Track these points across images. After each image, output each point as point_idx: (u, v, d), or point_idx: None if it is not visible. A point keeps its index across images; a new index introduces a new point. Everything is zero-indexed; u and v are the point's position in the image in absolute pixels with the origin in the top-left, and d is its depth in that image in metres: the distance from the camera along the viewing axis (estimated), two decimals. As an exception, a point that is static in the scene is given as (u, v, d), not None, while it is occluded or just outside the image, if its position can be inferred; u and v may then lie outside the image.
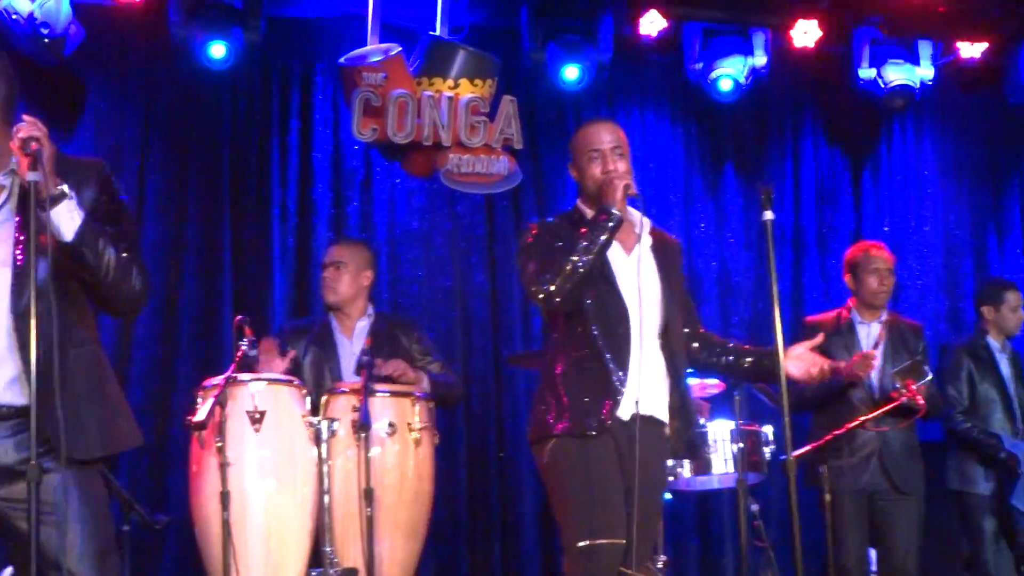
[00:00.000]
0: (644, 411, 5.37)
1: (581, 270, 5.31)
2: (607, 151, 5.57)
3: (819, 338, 5.91)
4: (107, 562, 4.23)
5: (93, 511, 4.22)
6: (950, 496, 8.68)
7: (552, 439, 5.38)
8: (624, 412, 5.35)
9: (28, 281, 3.97)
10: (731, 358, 5.84)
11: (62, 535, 4.07)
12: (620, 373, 5.36)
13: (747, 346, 5.93)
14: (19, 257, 4.11)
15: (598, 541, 5.22)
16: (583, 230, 5.37)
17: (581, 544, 5.24)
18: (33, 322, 3.93)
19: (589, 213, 5.53)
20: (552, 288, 5.32)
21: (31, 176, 3.96)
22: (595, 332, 5.39)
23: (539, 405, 5.51)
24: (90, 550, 4.16)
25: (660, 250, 5.70)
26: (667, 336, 5.55)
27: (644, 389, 5.38)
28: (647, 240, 5.65)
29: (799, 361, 5.70)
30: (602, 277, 5.44)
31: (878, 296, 8.07)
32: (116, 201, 4.41)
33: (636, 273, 5.43)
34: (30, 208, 3.96)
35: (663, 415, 5.53)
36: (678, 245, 5.93)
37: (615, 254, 5.50)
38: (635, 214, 5.64)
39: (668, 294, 5.59)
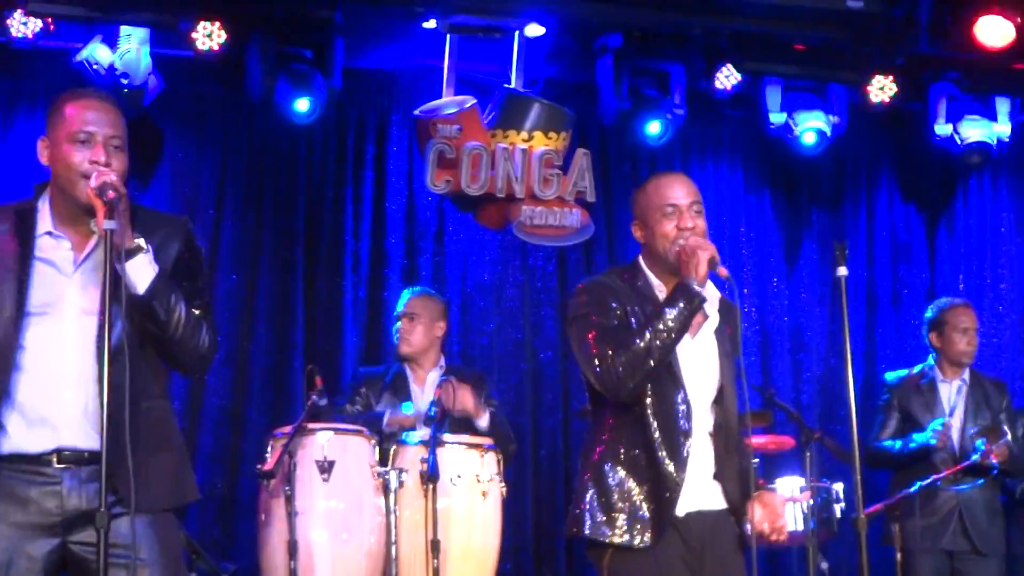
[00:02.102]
0: (701, 507, 4.86)
1: (656, 358, 4.71)
2: (684, 207, 4.91)
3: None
4: None
5: (166, 556, 4.26)
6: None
7: (609, 550, 4.83)
8: (682, 510, 4.81)
9: (104, 331, 4.01)
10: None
11: None
12: (678, 478, 4.78)
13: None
14: (99, 308, 4.14)
15: None
16: (657, 308, 4.77)
17: None
18: (106, 371, 3.97)
19: (652, 277, 4.98)
20: (621, 376, 4.72)
21: (107, 224, 3.99)
22: (656, 436, 4.80)
23: (587, 502, 4.90)
24: None
25: (722, 327, 5.03)
26: (724, 419, 4.96)
27: (700, 484, 4.87)
28: (714, 318, 5.00)
29: (761, 508, 4.97)
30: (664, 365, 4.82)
31: (965, 355, 8.01)
32: (196, 258, 4.46)
33: (700, 360, 4.92)
34: (107, 258, 3.99)
35: (719, 501, 4.95)
36: (739, 312, 5.11)
37: None
38: (709, 288, 4.94)
39: (725, 374, 4.99)
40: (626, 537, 4.79)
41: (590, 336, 4.84)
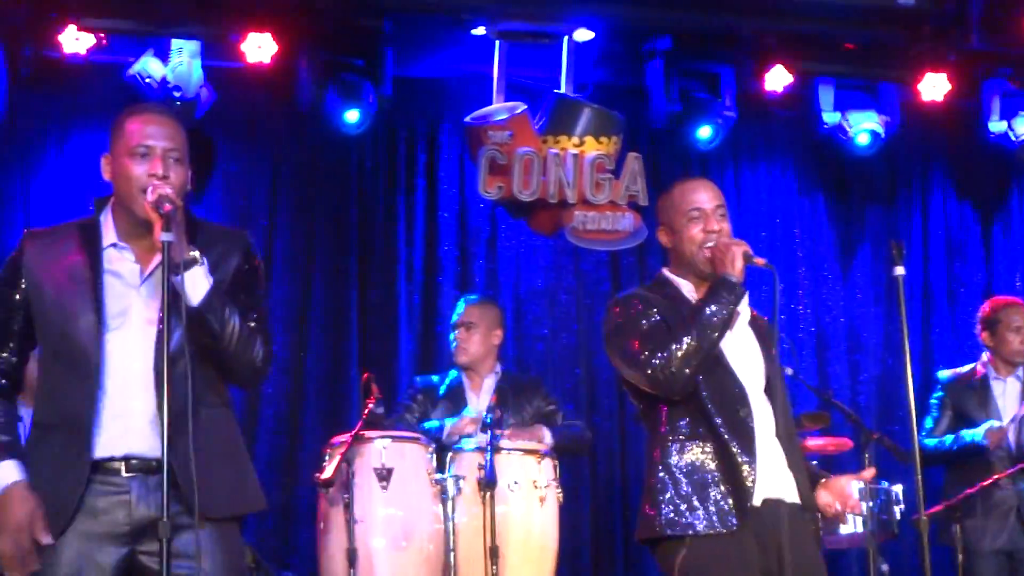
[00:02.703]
0: (776, 495, 4.83)
1: (704, 350, 4.74)
2: (709, 211, 4.96)
3: (870, 472, 5.50)
4: None
5: (231, 567, 4.28)
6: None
7: (685, 545, 4.77)
8: (759, 498, 4.77)
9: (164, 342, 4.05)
10: None
11: None
12: (749, 461, 4.77)
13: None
14: (162, 318, 4.17)
15: None
16: (697, 304, 4.82)
17: None
18: (165, 380, 4.01)
19: (681, 283, 5.00)
20: (671, 371, 4.73)
21: (164, 237, 4.03)
22: (717, 421, 4.80)
23: (659, 501, 4.85)
24: None
25: (753, 323, 5.06)
26: (778, 408, 4.94)
27: (772, 473, 4.85)
28: (746, 315, 5.03)
29: (829, 492, 5.02)
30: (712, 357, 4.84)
31: (1018, 354, 7.96)
32: (255, 271, 4.50)
33: (744, 350, 4.92)
34: (165, 270, 4.03)
35: (793, 494, 4.92)
36: (769, 326, 5.16)
37: None
38: None
39: (770, 366, 5.01)
40: (705, 525, 4.75)
41: (634, 342, 4.85)
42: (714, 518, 4.74)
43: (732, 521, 4.73)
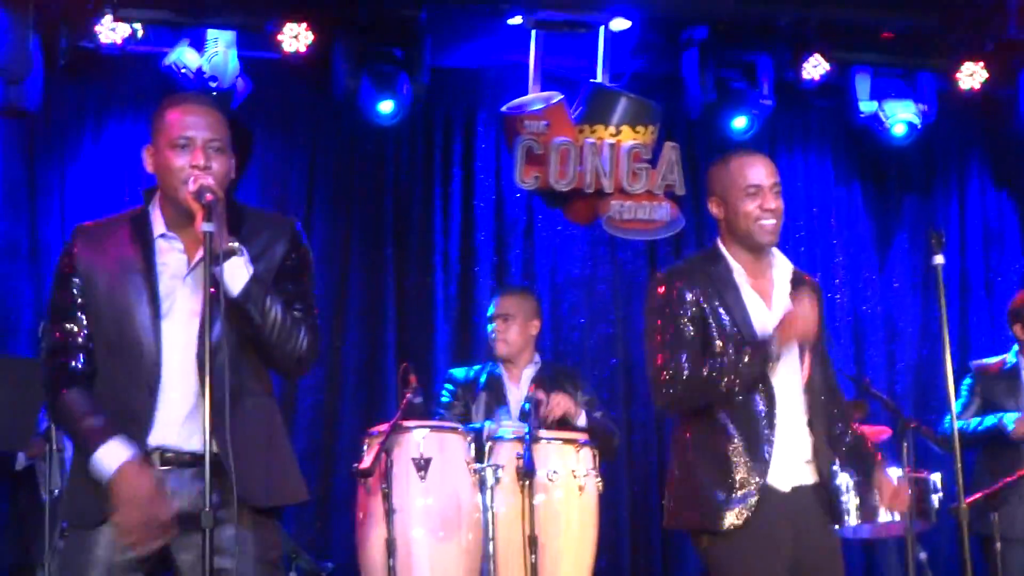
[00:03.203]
0: (798, 482, 4.97)
1: (710, 396, 4.92)
2: (767, 188, 5.02)
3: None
4: None
5: (267, 560, 4.27)
6: None
7: (707, 535, 4.97)
8: (778, 486, 4.92)
9: (206, 332, 4.04)
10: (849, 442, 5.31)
11: None
12: (767, 449, 4.90)
13: (866, 443, 5.37)
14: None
15: None
16: (734, 354, 4.87)
17: None
18: (207, 371, 4.00)
19: (731, 260, 5.06)
20: (673, 398, 4.99)
21: (205, 227, 4.03)
22: (728, 419, 4.95)
23: (677, 492, 5.10)
24: None
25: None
26: (810, 395, 5.05)
27: (795, 461, 4.97)
28: (785, 288, 5.10)
29: (883, 491, 5.29)
30: (740, 332, 4.97)
31: None
32: (303, 259, 4.48)
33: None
34: (207, 259, 4.03)
35: (812, 477, 5.04)
36: (818, 287, 5.27)
37: (753, 304, 5.03)
38: (776, 254, 5.17)
39: (813, 357, 5.09)
40: (717, 521, 4.88)
41: (657, 335, 5.04)
42: (735, 511, 4.87)
43: (738, 520, 4.86)
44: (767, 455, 4.90)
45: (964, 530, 5.37)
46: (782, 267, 5.15)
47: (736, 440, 4.92)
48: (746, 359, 4.85)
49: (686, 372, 4.90)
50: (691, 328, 4.98)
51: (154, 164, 4.31)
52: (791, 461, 4.95)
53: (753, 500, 4.87)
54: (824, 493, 5.09)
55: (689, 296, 4.99)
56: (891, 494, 5.29)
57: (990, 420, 7.82)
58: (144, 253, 4.28)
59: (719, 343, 4.95)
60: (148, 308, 4.21)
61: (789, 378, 4.99)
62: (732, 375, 4.86)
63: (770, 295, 5.07)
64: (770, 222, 5.02)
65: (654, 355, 5.03)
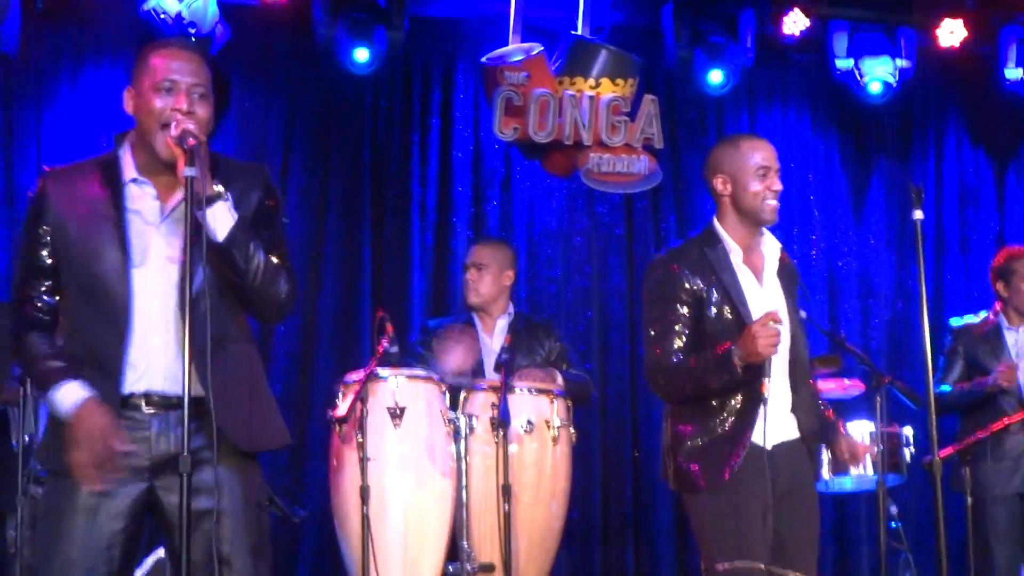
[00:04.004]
0: (780, 438, 5.18)
1: (690, 392, 5.19)
2: (774, 171, 5.32)
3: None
4: (263, 554, 4.29)
5: (251, 503, 4.30)
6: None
7: (699, 493, 5.19)
8: (763, 443, 5.07)
9: (188, 277, 4.04)
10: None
11: (220, 526, 4.13)
12: (751, 415, 5.11)
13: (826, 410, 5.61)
14: (182, 255, 4.18)
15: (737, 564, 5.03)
16: (706, 359, 5.09)
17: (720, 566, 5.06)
18: (187, 317, 4.00)
19: (728, 241, 5.30)
20: (658, 383, 5.30)
21: (187, 172, 4.01)
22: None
23: (670, 449, 5.32)
24: (248, 542, 4.23)
25: (784, 273, 5.42)
26: (794, 364, 5.29)
27: (778, 418, 5.17)
28: (774, 265, 5.39)
29: (839, 451, 5.61)
30: (734, 312, 5.20)
31: None
32: (276, 206, 4.49)
33: (769, 304, 5.17)
34: (188, 204, 4.02)
35: (794, 432, 5.28)
36: (795, 269, 5.60)
37: (748, 282, 5.27)
38: (765, 231, 5.40)
39: (794, 321, 5.34)
40: (709, 476, 5.14)
41: (651, 313, 5.32)
42: (722, 468, 5.10)
43: (728, 475, 5.10)
44: (752, 415, 5.10)
45: (938, 483, 5.41)
46: (771, 244, 5.40)
47: (720, 400, 5.16)
48: (714, 362, 5.07)
49: (673, 368, 5.18)
50: (687, 314, 5.22)
51: (134, 106, 4.30)
52: (775, 419, 5.11)
53: (739, 456, 5.08)
54: (805, 448, 5.33)
55: (686, 281, 5.22)
56: (848, 450, 5.55)
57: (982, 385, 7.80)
58: (114, 199, 4.27)
59: (712, 327, 5.20)
60: (118, 255, 4.21)
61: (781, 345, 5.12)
62: (705, 375, 5.12)
63: (761, 271, 5.33)
64: (775, 203, 5.31)
65: (651, 346, 5.27)
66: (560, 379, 7.18)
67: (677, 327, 5.20)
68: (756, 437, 5.09)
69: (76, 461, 4.08)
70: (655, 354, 5.23)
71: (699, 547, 5.30)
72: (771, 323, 4.96)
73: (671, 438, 5.30)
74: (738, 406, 5.14)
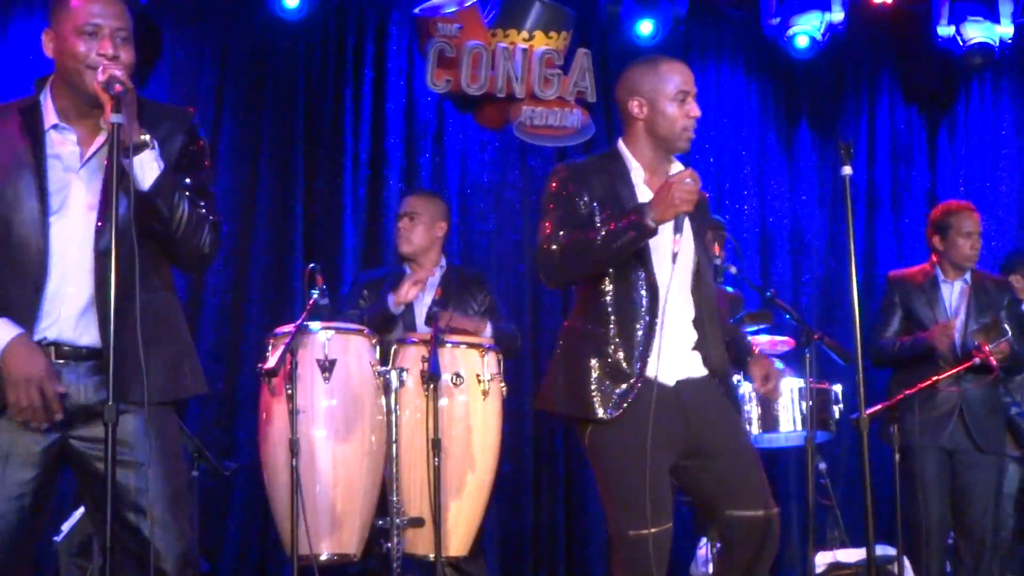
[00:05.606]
0: (685, 375, 5.09)
1: (593, 264, 4.98)
2: (692, 96, 5.14)
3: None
4: (181, 503, 4.27)
5: (168, 452, 4.27)
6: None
7: (589, 424, 5.04)
8: (662, 379, 5.00)
9: (108, 225, 4.00)
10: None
11: (139, 476, 4.11)
12: (646, 341, 4.96)
13: (742, 335, 5.61)
14: (102, 203, 4.13)
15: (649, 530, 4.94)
16: (611, 225, 4.89)
17: (631, 533, 4.97)
18: (113, 264, 3.95)
19: (631, 159, 5.16)
20: (557, 264, 5.01)
21: (114, 118, 3.95)
22: (610, 308, 5.05)
23: (563, 377, 5.16)
24: (166, 491, 4.20)
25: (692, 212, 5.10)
26: (700, 300, 5.16)
27: (680, 357, 5.08)
28: None
29: (755, 367, 5.41)
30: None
31: (968, 259, 7.94)
32: (200, 152, 4.44)
33: (671, 237, 4.95)
34: (113, 151, 3.96)
35: (701, 370, 5.15)
36: (706, 198, 5.42)
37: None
38: (675, 163, 5.21)
39: (701, 257, 5.18)
40: (593, 410, 4.99)
41: (547, 223, 5.07)
42: (612, 401, 4.97)
43: (630, 404, 4.95)
44: (646, 347, 4.98)
45: (864, 440, 5.43)
46: (678, 170, 5.12)
47: (616, 330, 5.02)
48: (623, 223, 4.87)
49: (567, 239, 4.98)
50: (582, 212, 5.05)
51: (55, 49, 4.24)
52: (675, 354, 5.05)
53: (631, 391, 4.96)
54: (717, 385, 5.21)
55: (582, 188, 5.07)
56: (762, 376, 5.37)
57: (924, 340, 7.83)
58: (33, 146, 4.21)
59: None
60: (36, 204, 4.16)
61: (677, 276, 5.02)
62: (611, 239, 4.88)
63: None
64: (691, 130, 5.15)
65: (542, 230, 5.09)
66: (488, 330, 7.18)
67: (573, 218, 5.02)
68: (652, 371, 4.97)
69: (16, 402, 4.06)
70: (544, 232, 5.05)
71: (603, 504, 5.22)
72: (688, 179, 4.82)
73: (565, 367, 5.18)
74: (636, 336, 4.99)
